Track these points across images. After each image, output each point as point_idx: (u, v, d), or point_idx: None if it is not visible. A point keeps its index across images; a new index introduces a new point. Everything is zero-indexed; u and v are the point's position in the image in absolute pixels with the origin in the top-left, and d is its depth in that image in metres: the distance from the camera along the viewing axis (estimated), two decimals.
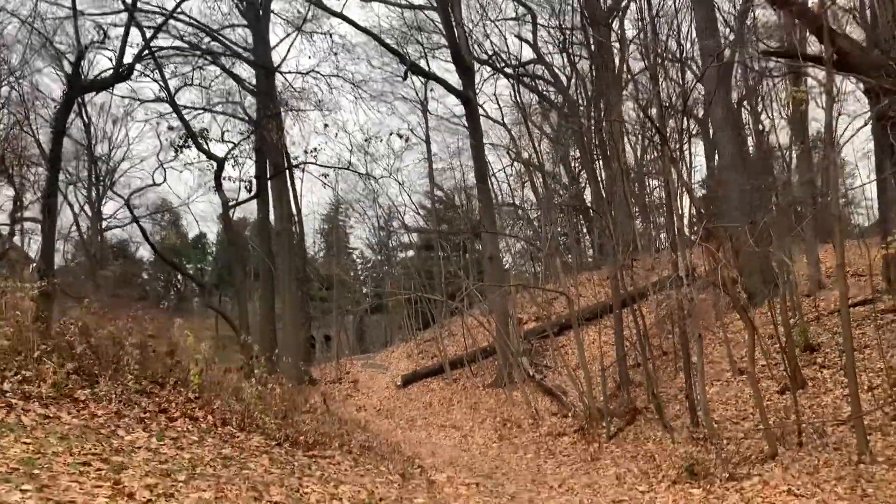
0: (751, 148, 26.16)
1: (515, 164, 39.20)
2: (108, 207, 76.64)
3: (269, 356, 23.58)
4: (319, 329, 37.98)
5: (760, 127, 27.97)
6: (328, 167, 23.49)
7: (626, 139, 29.64)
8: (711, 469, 9.13)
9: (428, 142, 34.36)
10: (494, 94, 49.76)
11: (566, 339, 21.19)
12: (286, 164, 20.96)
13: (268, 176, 14.72)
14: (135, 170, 64.57)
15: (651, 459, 10.35)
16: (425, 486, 7.82)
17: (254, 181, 13.20)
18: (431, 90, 32.82)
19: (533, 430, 14.50)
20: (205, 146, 13.53)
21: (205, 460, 6.34)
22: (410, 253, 46.11)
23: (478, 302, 21.77)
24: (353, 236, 53.87)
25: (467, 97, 19.93)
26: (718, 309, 17.48)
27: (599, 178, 27.80)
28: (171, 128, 13.99)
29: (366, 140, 23.02)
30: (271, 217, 25.22)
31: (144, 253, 54.46)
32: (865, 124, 12.11)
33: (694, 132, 32.20)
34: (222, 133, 13.78)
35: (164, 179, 29.25)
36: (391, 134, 39.73)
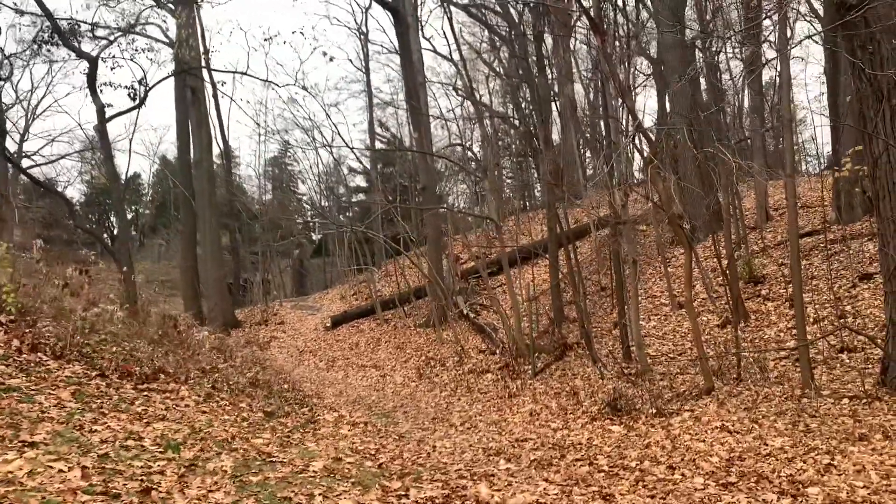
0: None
1: (465, 105, 37.43)
2: (33, 144, 72.46)
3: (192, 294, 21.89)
4: (256, 272, 36.21)
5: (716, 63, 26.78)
6: (224, 72, 21.25)
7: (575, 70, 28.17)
8: (638, 404, 7.99)
9: (367, 71, 32.24)
10: (442, 29, 47.56)
11: (505, 279, 20.01)
12: (206, 74, 18.73)
13: (150, 81, 12.66)
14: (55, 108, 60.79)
15: (574, 396, 9.18)
16: (289, 426, 6.44)
17: (138, 86, 11.28)
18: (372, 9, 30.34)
19: (457, 369, 13.29)
20: (74, 42, 11.45)
21: None
22: (361, 197, 44.47)
23: (413, 246, 20.43)
24: (301, 182, 51.98)
25: (396, 8, 17.99)
26: (660, 243, 16.41)
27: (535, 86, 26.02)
28: (20, 11, 11.61)
29: (266, 40, 20.81)
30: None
31: (74, 193, 51.47)
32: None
33: (648, 72, 30.93)
34: (93, 27, 11.52)
35: (9, 77, 25.16)
36: (293, 33, 37.56)
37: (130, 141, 52.74)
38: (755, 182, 17.84)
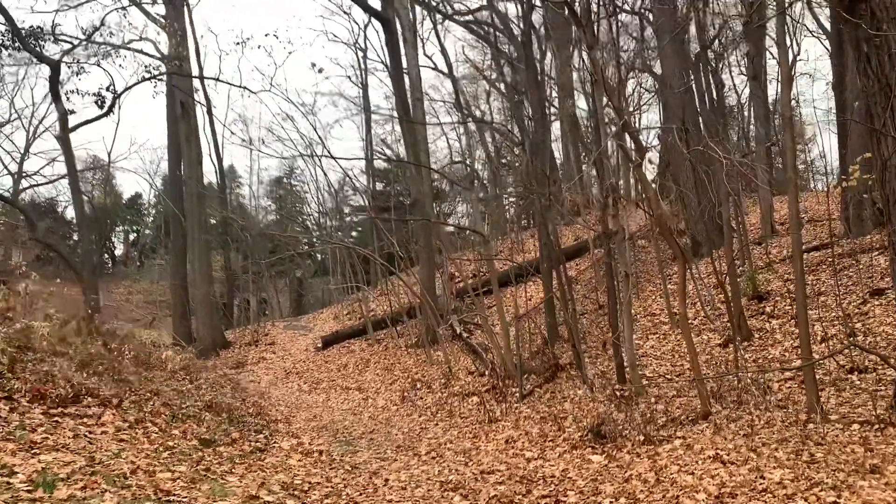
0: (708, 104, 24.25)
1: (464, 127, 37.04)
2: (34, 164, 72.35)
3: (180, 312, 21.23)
4: (252, 292, 35.63)
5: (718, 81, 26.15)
6: (202, 78, 20.68)
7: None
8: (625, 430, 7.22)
9: (365, 86, 31.79)
10: (441, 46, 47.33)
11: (495, 298, 19.27)
12: (200, 85, 18.16)
13: (119, 88, 11.90)
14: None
15: (558, 421, 8.41)
16: (225, 455, 5.72)
17: (106, 94, 10.74)
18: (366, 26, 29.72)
19: (443, 391, 12.54)
20: (36, 47, 10.90)
21: None
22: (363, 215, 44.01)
23: (405, 264, 19.79)
24: (303, 201, 51.55)
25: (386, 18, 17.46)
26: (660, 259, 15.66)
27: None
28: None
29: (237, 43, 20.40)
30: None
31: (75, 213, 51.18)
32: None
33: (652, 90, 30.33)
34: (53, 27, 11.03)
35: None
36: (267, 35, 36.98)
37: (109, 154, 52.37)
38: (760, 194, 17.13)
